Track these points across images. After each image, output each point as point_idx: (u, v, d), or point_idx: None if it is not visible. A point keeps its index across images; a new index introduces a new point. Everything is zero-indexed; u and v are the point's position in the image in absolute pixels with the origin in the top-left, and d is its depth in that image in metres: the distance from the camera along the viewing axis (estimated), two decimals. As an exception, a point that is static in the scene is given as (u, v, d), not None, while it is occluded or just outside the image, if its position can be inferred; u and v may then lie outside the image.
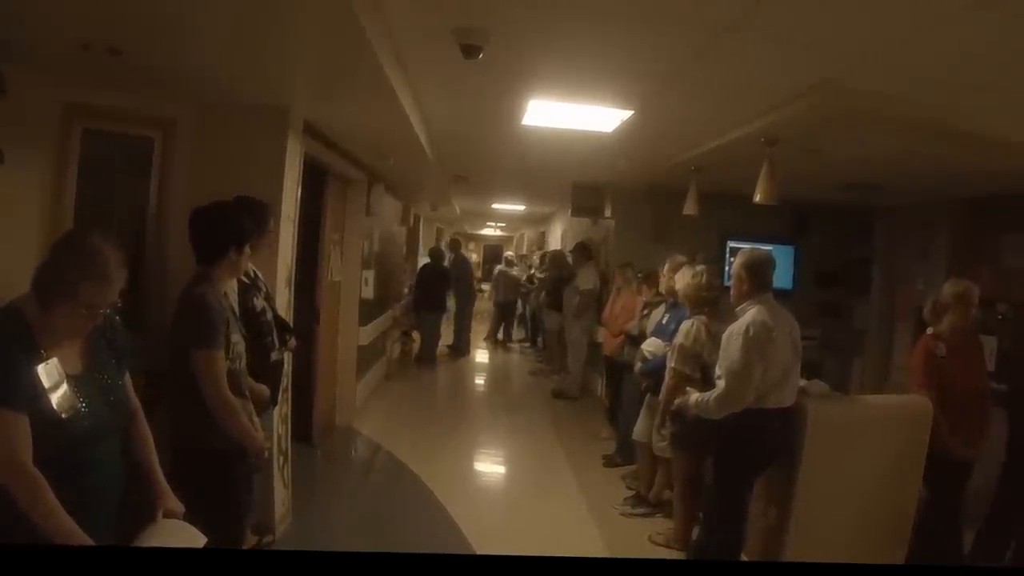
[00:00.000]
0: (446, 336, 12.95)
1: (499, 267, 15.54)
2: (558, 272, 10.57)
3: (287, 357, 4.02)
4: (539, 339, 13.94)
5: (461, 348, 12.97)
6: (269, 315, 3.62)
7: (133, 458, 2.38)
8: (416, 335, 12.41)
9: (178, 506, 2.39)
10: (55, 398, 2.06)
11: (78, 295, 2.10)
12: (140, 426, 2.45)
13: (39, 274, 2.14)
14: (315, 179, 6.02)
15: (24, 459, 1.96)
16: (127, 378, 2.43)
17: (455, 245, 14.53)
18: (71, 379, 2.13)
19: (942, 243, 7.12)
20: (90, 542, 2.00)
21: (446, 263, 12.75)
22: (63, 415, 2.07)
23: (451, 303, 13.06)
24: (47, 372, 2.06)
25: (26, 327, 2.07)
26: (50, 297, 2.10)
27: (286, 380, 4.56)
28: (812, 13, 2.88)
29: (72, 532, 1.97)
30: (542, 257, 15.49)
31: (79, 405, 2.12)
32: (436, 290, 11.94)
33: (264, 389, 3.44)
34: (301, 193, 4.88)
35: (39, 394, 2.03)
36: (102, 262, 2.13)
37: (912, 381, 4.29)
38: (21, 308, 2.11)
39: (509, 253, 18.71)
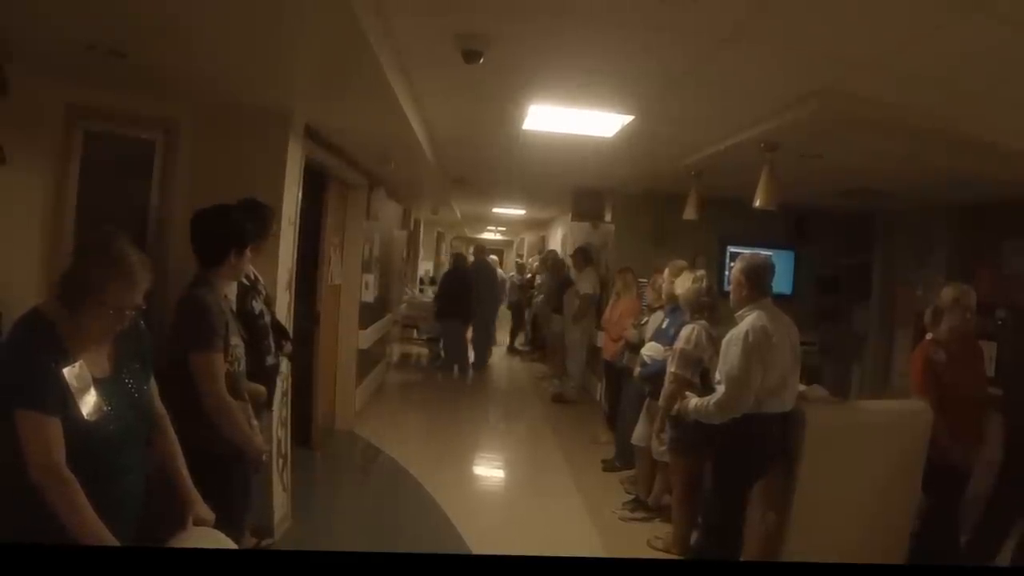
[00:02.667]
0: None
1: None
2: (556, 275, 10.55)
3: (284, 362, 4.00)
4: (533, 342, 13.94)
5: (482, 359, 12.33)
6: (266, 318, 3.61)
7: (160, 464, 2.39)
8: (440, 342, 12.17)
9: (208, 513, 2.39)
10: (82, 402, 2.06)
11: (105, 298, 2.11)
12: (167, 432, 2.46)
13: (65, 279, 2.14)
14: (316, 182, 6.02)
15: (58, 460, 1.97)
16: (152, 383, 2.44)
17: (479, 251, 13.94)
18: (98, 382, 2.13)
19: (942, 248, 7.12)
20: (116, 543, 2.01)
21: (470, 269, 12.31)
22: (90, 418, 2.07)
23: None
24: (74, 375, 2.06)
25: (53, 330, 2.08)
26: (77, 301, 2.10)
27: (285, 384, 4.56)
28: (812, 21, 2.89)
29: (101, 534, 1.98)
30: (542, 261, 15.47)
31: (105, 408, 2.12)
32: (460, 298, 11.51)
33: (260, 388, 3.43)
34: (302, 196, 4.89)
35: (67, 397, 2.03)
36: (128, 264, 2.14)
37: (911, 386, 4.30)
38: (46, 312, 2.12)
39: (493, 256, 18.68)
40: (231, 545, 2.34)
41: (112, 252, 2.14)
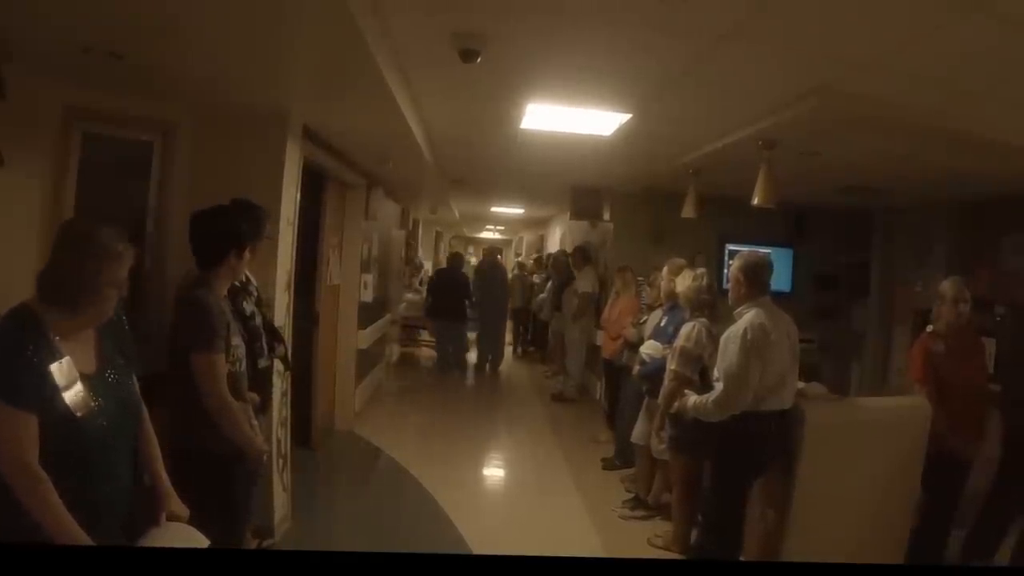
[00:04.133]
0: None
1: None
2: (560, 274, 10.53)
3: (278, 364, 3.98)
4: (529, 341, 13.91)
5: (495, 362, 11.80)
6: (258, 320, 3.60)
7: (139, 460, 2.38)
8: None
9: (182, 509, 2.39)
10: (69, 397, 2.05)
11: (94, 277, 2.11)
12: (147, 428, 2.44)
13: (49, 272, 2.13)
14: (314, 183, 6.03)
15: (30, 459, 1.95)
16: (134, 378, 2.42)
17: (491, 252, 13.29)
18: (84, 378, 2.12)
19: (941, 246, 7.13)
20: (90, 542, 2.00)
21: (465, 269, 11.85)
22: (78, 413, 2.06)
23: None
24: (61, 371, 2.05)
25: (39, 325, 2.06)
26: (62, 289, 2.10)
27: (285, 384, 4.56)
28: (809, 19, 2.90)
29: (74, 533, 1.96)
30: (537, 260, 15.34)
31: (93, 404, 2.11)
32: (451, 298, 11.15)
33: (252, 396, 3.43)
34: (300, 197, 4.89)
35: (52, 393, 2.02)
36: (107, 239, 2.15)
37: (909, 376, 4.36)
38: (33, 307, 2.10)
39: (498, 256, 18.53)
40: (204, 542, 2.34)
41: (86, 233, 2.15)
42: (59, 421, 2.02)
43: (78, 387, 2.09)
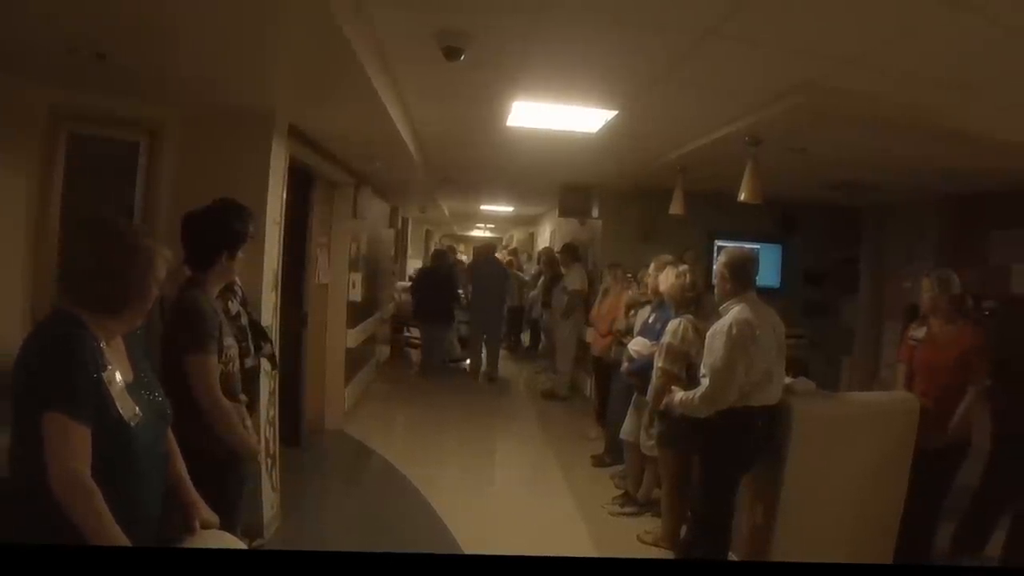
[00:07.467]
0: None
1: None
2: (551, 270, 10.51)
3: (266, 363, 3.97)
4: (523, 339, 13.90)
5: (487, 375, 10.83)
6: (244, 319, 3.60)
7: (168, 467, 2.32)
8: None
9: (212, 516, 2.36)
10: (119, 405, 2.00)
11: (144, 279, 2.09)
12: (170, 434, 2.38)
13: (92, 276, 2.05)
14: (301, 182, 6.01)
15: (83, 470, 1.88)
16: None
17: (485, 248, 12.31)
18: (127, 387, 2.07)
19: (930, 241, 7.17)
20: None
21: (451, 266, 11.54)
22: (128, 423, 2.01)
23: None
24: (110, 379, 1.99)
25: (88, 332, 1.99)
26: (115, 293, 2.05)
27: (273, 383, 4.55)
28: (793, 16, 2.91)
29: (120, 543, 1.91)
30: (513, 251, 15.25)
31: (137, 412, 2.06)
32: (435, 298, 10.70)
33: (244, 397, 3.42)
34: (287, 196, 4.88)
35: (105, 403, 1.96)
36: (153, 242, 2.14)
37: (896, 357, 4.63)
38: (78, 314, 2.01)
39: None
40: (242, 546, 2.32)
41: (130, 235, 2.12)
42: (109, 430, 1.96)
43: (125, 395, 2.04)
